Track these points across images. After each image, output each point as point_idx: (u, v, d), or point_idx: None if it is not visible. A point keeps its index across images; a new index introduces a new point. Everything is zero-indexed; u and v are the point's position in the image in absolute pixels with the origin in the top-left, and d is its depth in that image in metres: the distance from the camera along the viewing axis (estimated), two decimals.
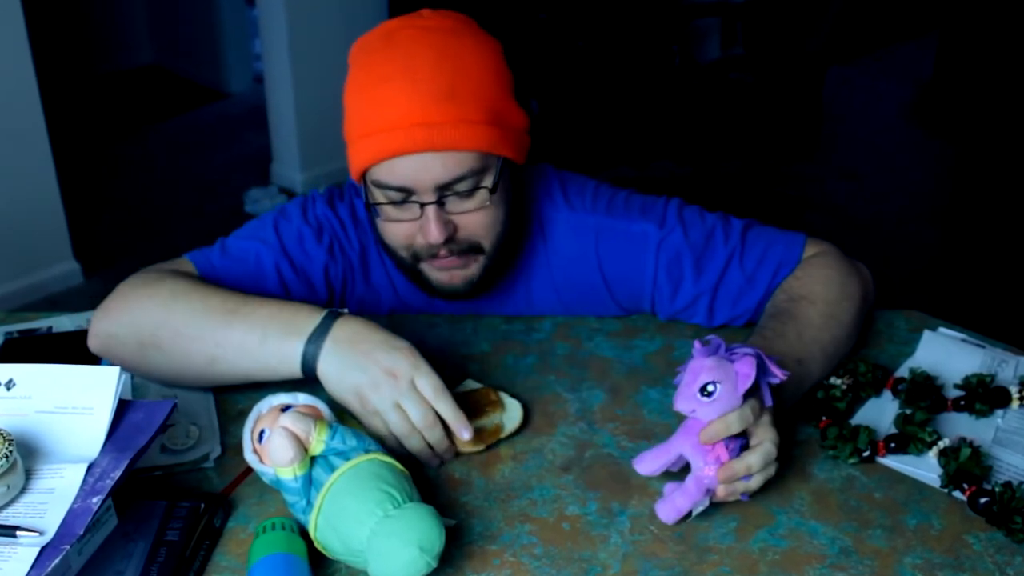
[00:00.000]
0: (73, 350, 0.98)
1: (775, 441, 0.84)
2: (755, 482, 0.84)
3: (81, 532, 0.72)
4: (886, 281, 1.14)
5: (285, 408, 0.83)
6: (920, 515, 0.86)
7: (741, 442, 0.84)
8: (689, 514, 0.83)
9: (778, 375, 0.84)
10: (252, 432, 0.84)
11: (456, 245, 1.00)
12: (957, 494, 0.88)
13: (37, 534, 0.72)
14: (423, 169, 0.95)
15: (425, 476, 0.90)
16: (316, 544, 0.79)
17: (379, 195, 0.99)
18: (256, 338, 0.90)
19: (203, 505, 0.83)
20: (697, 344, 0.83)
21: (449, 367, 1.05)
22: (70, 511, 0.74)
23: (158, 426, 0.81)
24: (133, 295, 0.96)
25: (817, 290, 1.03)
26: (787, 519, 0.86)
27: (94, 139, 3.68)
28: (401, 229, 1.00)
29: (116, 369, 0.83)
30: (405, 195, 0.97)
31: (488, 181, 0.98)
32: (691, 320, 1.11)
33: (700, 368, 0.82)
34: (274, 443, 0.78)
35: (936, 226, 3.15)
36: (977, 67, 3.71)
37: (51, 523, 0.73)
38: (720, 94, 3.38)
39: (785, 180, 3.40)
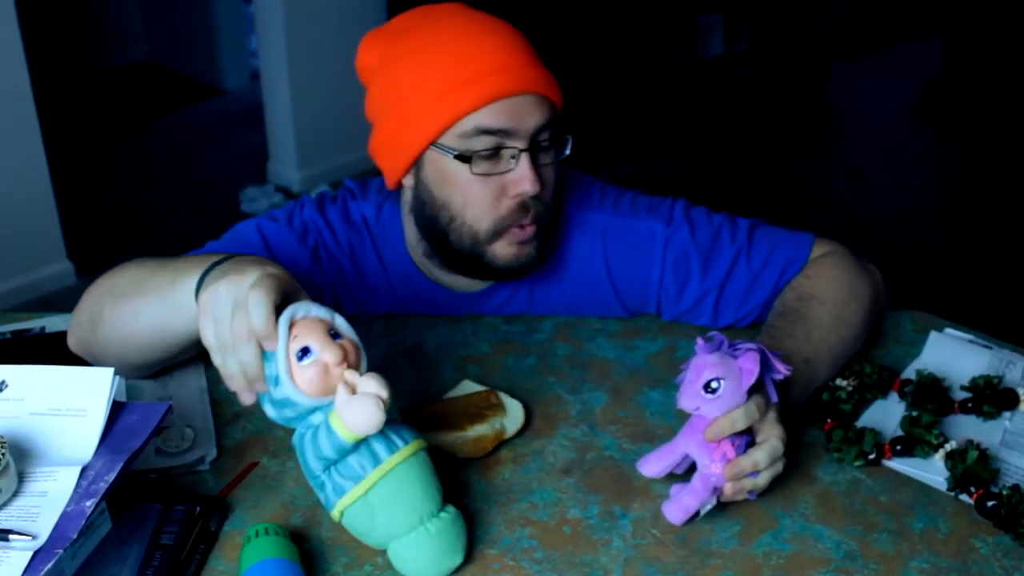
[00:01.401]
0: (66, 351, 0.97)
1: (782, 437, 0.83)
2: (763, 479, 0.83)
3: (75, 536, 0.71)
4: (892, 281, 1.13)
5: (335, 334, 0.75)
6: (926, 519, 0.86)
7: (747, 439, 0.83)
8: (697, 514, 0.82)
9: (781, 371, 0.83)
10: (288, 348, 0.74)
11: (540, 205, 1.00)
12: (964, 497, 0.87)
13: (30, 538, 0.71)
14: (527, 109, 0.96)
15: None
16: (335, 511, 0.77)
17: (470, 148, 0.96)
18: (171, 278, 0.86)
19: (199, 508, 0.82)
20: (700, 341, 0.82)
21: (448, 368, 1.04)
22: (63, 514, 0.73)
23: (153, 428, 0.81)
24: (99, 282, 0.96)
25: (827, 290, 1.03)
26: (791, 523, 0.85)
27: (88, 137, 3.65)
28: (489, 191, 0.98)
29: (110, 370, 0.82)
30: (500, 142, 0.96)
31: (559, 136, 1.00)
32: (696, 321, 1.10)
33: (703, 365, 0.81)
34: (364, 409, 0.72)
35: (943, 225, 3.14)
36: (984, 64, 3.69)
37: (44, 527, 0.72)
38: (723, 91, 3.36)
39: (789, 178, 3.38)
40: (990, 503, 0.84)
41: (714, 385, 0.80)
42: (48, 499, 0.74)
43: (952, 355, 1.05)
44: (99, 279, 0.97)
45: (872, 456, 0.91)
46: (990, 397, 0.97)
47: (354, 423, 0.73)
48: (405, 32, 1.00)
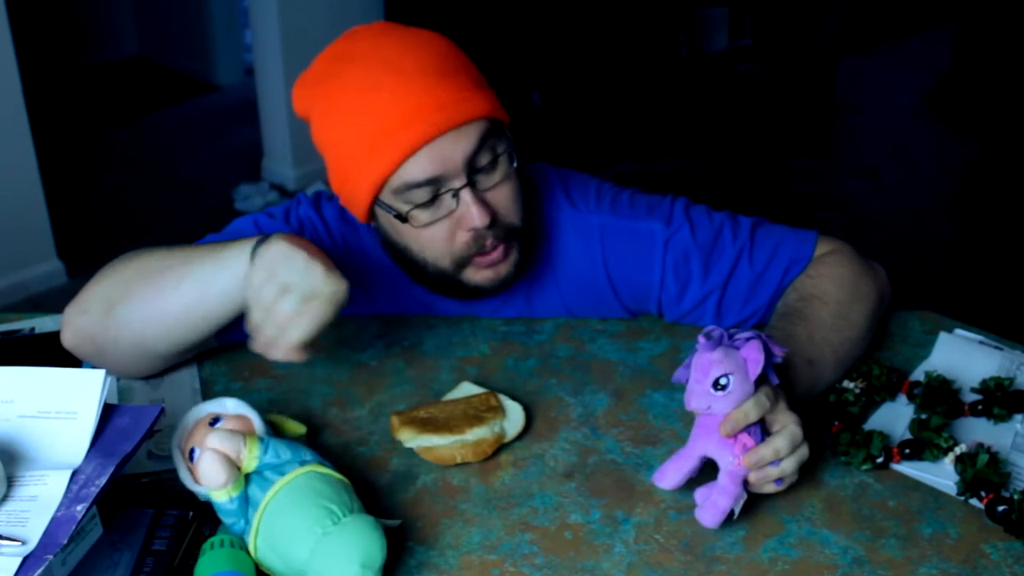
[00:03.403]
0: (57, 352, 0.96)
1: (798, 422, 0.83)
2: (789, 465, 0.82)
3: (65, 541, 0.70)
4: (900, 280, 1.11)
5: (214, 421, 0.81)
6: (936, 524, 0.84)
7: (760, 428, 0.82)
8: (732, 514, 0.81)
9: (778, 353, 0.83)
10: (182, 451, 0.81)
11: (498, 229, 0.97)
12: (974, 502, 0.86)
13: (19, 543, 0.70)
14: (450, 147, 0.93)
15: (422, 484, 0.88)
16: (259, 565, 0.77)
17: (407, 200, 0.95)
18: (221, 245, 0.91)
19: (191, 513, 0.81)
20: (701, 338, 0.81)
21: (447, 370, 1.03)
22: (53, 519, 0.72)
23: (145, 431, 0.79)
24: (105, 270, 0.96)
25: (830, 289, 1.01)
26: (797, 528, 0.84)
27: (78, 133, 3.63)
28: (440, 233, 0.96)
29: (101, 372, 0.81)
30: (435, 188, 0.94)
31: (501, 146, 0.97)
32: (699, 323, 1.08)
33: (709, 363, 0.80)
34: (204, 466, 0.76)
35: (954, 223, 3.11)
36: (996, 57, 3.66)
37: (34, 532, 0.71)
38: (728, 86, 3.34)
39: (796, 175, 3.36)
40: (1001, 508, 0.83)
41: (723, 382, 0.80)
42: (38, 504, 0.73)
43: (962, 356, 1.03)
44: (111, 265, 0.96)
45: (880, 460, 0.89)
46: (1001, 399, 0.96)
47: (203, 480, 0.76)
48: (323, 80, 0.97)
